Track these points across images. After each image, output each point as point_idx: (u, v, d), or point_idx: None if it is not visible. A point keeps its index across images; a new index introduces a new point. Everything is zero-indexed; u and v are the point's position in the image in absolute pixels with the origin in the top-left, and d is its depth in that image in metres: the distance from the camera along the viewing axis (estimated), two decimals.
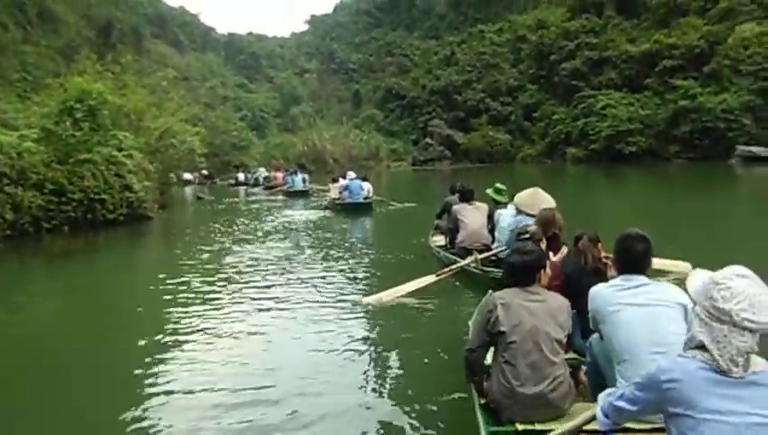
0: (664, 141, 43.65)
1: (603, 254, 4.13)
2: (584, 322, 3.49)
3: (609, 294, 3.13)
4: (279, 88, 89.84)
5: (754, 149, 36.69)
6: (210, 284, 8.38)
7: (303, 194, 24.99)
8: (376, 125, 67.15)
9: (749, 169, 32.82)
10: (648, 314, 2.99)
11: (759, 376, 1.93)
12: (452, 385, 4.32)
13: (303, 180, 26.40)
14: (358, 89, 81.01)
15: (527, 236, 4.89)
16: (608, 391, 2.50)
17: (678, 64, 45.05)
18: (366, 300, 6.83)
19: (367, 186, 18.07)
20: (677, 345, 2.80)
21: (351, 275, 8.78)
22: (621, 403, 2.24)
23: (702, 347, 1.97)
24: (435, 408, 4.21)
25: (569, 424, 2.76)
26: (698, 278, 2.07)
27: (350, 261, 9.88)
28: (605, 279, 3.55)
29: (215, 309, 7.00)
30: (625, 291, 3.09)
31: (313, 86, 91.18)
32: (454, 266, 7.33)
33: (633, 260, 3.15)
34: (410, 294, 6.92)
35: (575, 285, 3.87)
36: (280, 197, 25.92)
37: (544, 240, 4.93)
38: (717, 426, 1.90)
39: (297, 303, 7.11)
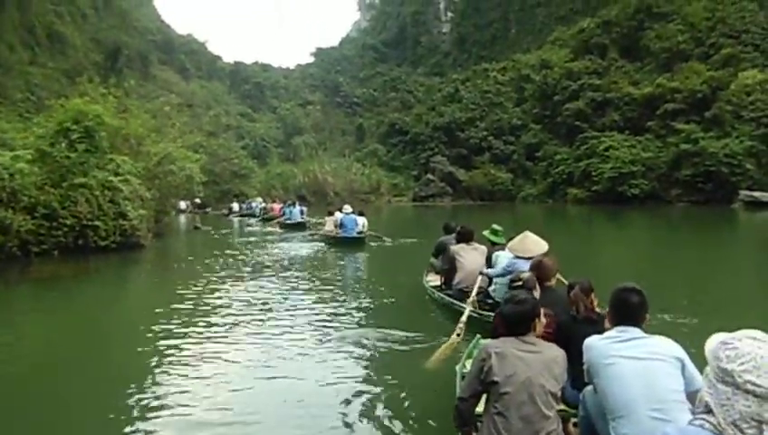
0: (666, 184, 43.71)
1: (596, 303, 4.09)
2: (575, 372, 3.39)
3: (604, 346, 3.08)
4: (282, 118, 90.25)
5: (757, 194, 36.78)
6: (197, 317, 8.18)
7: (301, 226, 24.71)
8: (378, 159, 67.27)
9: (752, 213, 32.85)
10: (645, 368, 2.94)
11: None
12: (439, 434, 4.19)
13: (301, 212, 26.28)
14: (361, 123, 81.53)
15: (520, 283, 4.83)
16: None
17: (680, 108, 45.39)
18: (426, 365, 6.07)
19: (362, 220, 17.95)
20: (674, 402, 2.81)
21: (342, 314, 8.44)
22: None
23: (709, 411, 1.85)
24: None
25: None
26: (715, 339, 1.95)
27: (342, 299, 9.58)
28: (598, 328, 3.47)
29: (199, 343, 6.85)
30: (621, 343, 3.05)
31: (316, 118, 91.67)
32: (464, 319, 6.73)
33: (628, 313, 3.12)
34: (408, 335, 6.86)
35: (567, 334, 3.80)
36: (277, 229, 25.63)
37: (538, 287, 4.85)
38: None
39: (283, 339, 6.97)
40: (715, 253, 16.95)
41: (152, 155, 21.02)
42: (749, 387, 1.77)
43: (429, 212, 42.12)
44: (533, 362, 3.13)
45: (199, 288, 10.55)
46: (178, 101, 40.77)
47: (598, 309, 4.04)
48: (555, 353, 3.24)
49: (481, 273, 7.50)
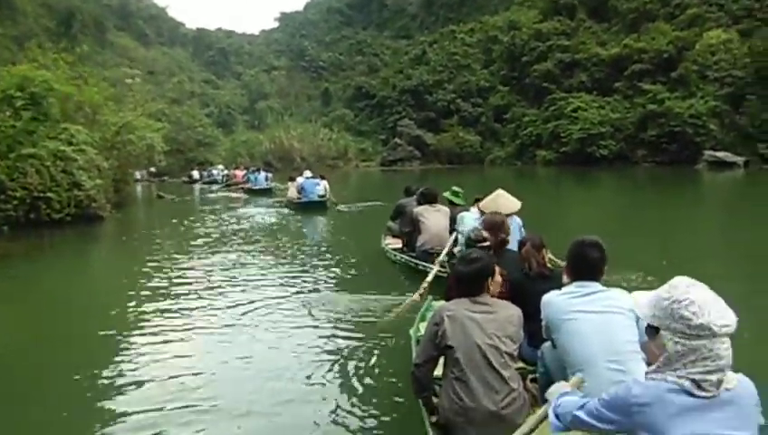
0: (633, 145, 43.87)
1: (548, 257, 4.07)
2: (531, 329, 3.36)
3: (563, 302, 3.07)
4: (246, 85, 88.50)
5: (720, 154, 37.15)
6: (161, 290, 8.00)
7: (266, 192, 24.89)
8: (345, 124, 66.36)
9: (715, 173, 33.25)
10: (603, 321, 2.96)
11: (731, 392, 1.87)
12: (404, 401, 4.22)
13: (266, 178, 26.44)
14: (327, 87, 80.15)
15: (486, 244, 4.77)
16: (561, 391, 2.45)
17: (647, 69, 45.35)
18: (378, 321, 6.26)
19: (323, 184, 18.36)
20: (630, 353, 2.90)
21: (305, 280, 8.46)
22: (583, 415, 2.13)
23: (674, 367, 1.89)
24: (385, 425, 4.05)
25: (522, 429, 2.59)
26: (645, 300, 2.00)
27: (305, 265, 9.62)
28: (551, 284, 3.45)
29: (164, 316, 6.68)
30: (580, 298, 3.04)
31: (282, 84, 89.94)
32: (429, 278, 6.76)
33: (588, 267, 3.11)
34: (367, 297, 6.91)
35: (519, 291, 3.77)
36: (241, 195, 25.50)
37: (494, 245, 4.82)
38: None
39: (248, 307, 6.90)
40: (679, 212, 17.15)
41: (110, 124, 20.29)
42: (724, 330, 1.83)
43: (397, 176, 41.77)
44: (488, 322, 3.05)
45: (162, 260, 10.24)
46: (138, 68, 39.33)
47: (550, 265, 3.98)
48: (510, 312, 3.16)
49: (455, 231, 7.32)
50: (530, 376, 3.71)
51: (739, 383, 1.91)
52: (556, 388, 2.54)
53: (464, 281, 3.18)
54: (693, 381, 1.85)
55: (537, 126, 50.55)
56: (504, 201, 6.45)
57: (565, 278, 3.26)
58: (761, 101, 37.97)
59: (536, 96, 53.09)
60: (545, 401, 3.22)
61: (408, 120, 61.26)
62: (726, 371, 1.87)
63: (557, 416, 2.30)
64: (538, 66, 53.32)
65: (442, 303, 3.28)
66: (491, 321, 3.07)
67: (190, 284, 8.32)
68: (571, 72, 51.49)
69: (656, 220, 15.24)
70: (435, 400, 3.25)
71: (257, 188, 25.44)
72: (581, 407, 2.16)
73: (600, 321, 2.97)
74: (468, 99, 60.37)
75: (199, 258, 10.43)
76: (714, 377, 1.84)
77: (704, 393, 1.85)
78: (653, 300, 1.98)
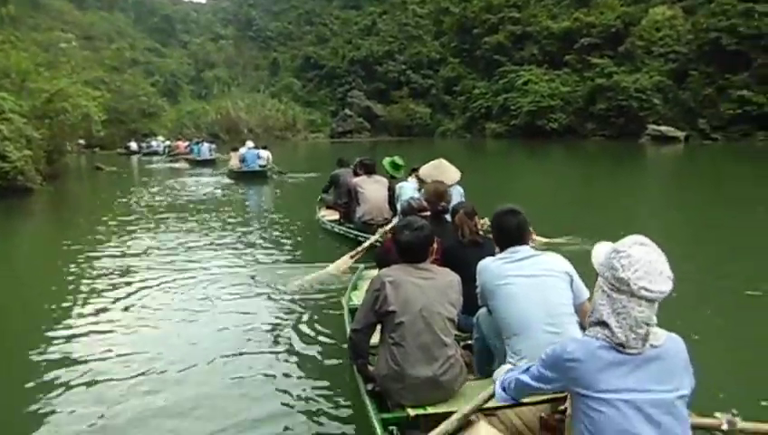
0: (582, 118, 44.35)
1: (482, 224, 4.07)
2: (464, 296, 3.30)
3: (498, 268, 3.11)
4: (193, 54, 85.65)
5: (663, 128, 37.96)
6: (92, 265, 7.76)
7: (210, 163, 24.86)
8: (293, 95, 65.23)
9: (658, 147, 34.06)
10: (537, 285, 3.01)
11: (658, 350, 1.94)
12: (339, 370, 4.30)
13: (209, 150, 26.34)
14: (275, 57, 78.45)
15: (427, 213, 4.75)
16: (504, 367, 2.54)
17: (596, 43, 45.65)
18: (284, 288, 6.52)
19: (265, 154, 18.57)
20: (565, 315, 2.98)
21: (242, 251, 8.50)
22: (527, 379, 2.20)
23: (603, 323, 1.95)
24: (321, 395, 4.07)
25: (468, 407, 2.64)
26: (602, 249, 2.06)
27: (244, 236, 9.67)
28: (484, 251, 3.50)
29: (101, 295, 6.45)
30: (512, 263, 3.09)
31: (229, 53, 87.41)
32: (366, 244, 6.96)
33: (509, 234, 3.17)
34: (304, 269, 6.94)
35: (453, 258, 3.77)
36: (185, 166, 25.02)
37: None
38: (617, 405, 1.90)
39: (187, 282, 6.86)
40: (624, 184, 17.67)
41: (42, 92, 19.31)
42: (643, 293, 1.87)
43: (347, 148, 41.45)
44: (429, 288, 3.07)
45: (98, 234, 9.91)
46: (74, 32, 37.34)
47: (482, 232, 4.00)
48: (450, 278, 3.19)
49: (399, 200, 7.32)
50: (462, 343, 3.71)
51: (667, 340, 1.98)
52: (502, 369, 2.59)
53: (408, 248, 3.15)
54: (621, 332, 1.91)
55: (487, 99, 50.65)
56: (444, 170, 6.46)
57: (496, 249, 3.30)
58: (702, 77, 38.78)
59: (487, 68, 53.08)
60: (481, 369, 3.45)
61: (358, 91, 60.69)
62: (651, 329, 1.93)
63: (504, 389, 2.35)
64: (489, 38, 53.22)
65: (383, 269, 3.21)
66: (432, 287, 3.08)
67: (126, 257, 8.08)
68: (522, 44, 51.56)
69: (602, 191, 15.73)
70: (370, 368, 3.23)
71: (200, 159, 25.32)
72: (525, 371, 2.22)
73: (534, 284, 3.01)
74: (419, 70, 60.03)
75: (137, 231, 10.18)
76: (638, 334, 1.91)
77: (630, 350, 1.91)
78: (606, 249, 2.04)
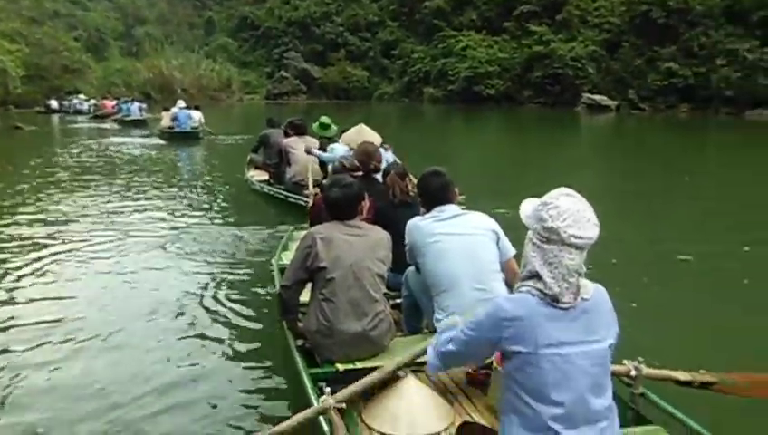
0: (519, 85, 44.80)
1: (412, 185, 4.15)
2: (394, 256, 3.37)
3: (427, 226, 3.15)
4: (121, 8, 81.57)
5: (597, 97, 38.90)
6: (15, 229, 7.49)
7: (140, 123, 23.94)
8: (229, 55, 63.19)
9: (592, 116, 34.95)
10: (466, 242, 3.07)
11: (588, 302, 1.99)
12: (269, 329, 4.31)
13: (140, 109, 25.38)
14: (211, 16, 75.67)
15: (359, 173, 4.86)
16: (437, 338, 2.50)
17: (534, 10, 45.85)
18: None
19: (197, 115, 18.13)
20: (492, 272, 3.06)
21: (172, 213, 8.40)
22: (452, 347, 2.20)
23: (536, 275, 1.98)
24: (251, 353, 4.13)
25: (395, 362, 2.68)
26: (529, 205, 2.08)
27: (174, 197, 9.57)
28: (414, 211, 3.55)
29: (26, 261, 6.22)
30: (442, 222, 3.14)
31: (162, 9, 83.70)
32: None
33: (435, 194, 3.23)
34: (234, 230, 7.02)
35: (384, 217, 3.83)
36: (113, 126, 24.11)
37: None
38: (553, 359, 1.93)
39: (112, 242, 6.79)
40: (557, 151, 18.24)
41: None
42: (573, 240, 1.91)
43: (283, 110, 40.85)
44: (360, 245, 3.11)
45: (13, 199, 9.42)
46: None
47: (413, 193, 4.06)
48: (380, 236, 3.24)
49: (309, 152, 7.50)
50: (391, 302, 3.74)
51: (595, 292, 2.03)
52: (433, 339, 2.58)
53: (337, 205, 3.19)
54: (554, 282, 1.94)
55: (426, 63, 50.48)
56: (365, 135, 6.52)
57: (422, 210, 3.36)
58: (633, 48, 39.78)
59: (426, 33, 52.75)
60: (409, 326, 3.54)
61: (295, 52, 59.39)
62: (580, 281, 1.99)
63: (437, 359, 2.35)
64: (428, 2, 52.75)
65: (314, 227, 3.28)
66: (363, 243, 3.13)
67: (44, 223, 7.91)
68: (462, 10, 51.33)
69: (535, 157, 16.11)
70: (300, 325, 3.26)
71: (130, 118, 24.35)
72: (449, 341, 2.21)
73: (463, 242, 3.07)
74: (356, 33, 59.12)
75: (58, 195, 9.81)
76: (570, 284, 1.95)
77: (564, 305, 1.95)
78: (534, 203, 2.06)
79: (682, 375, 2.70)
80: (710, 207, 9.23)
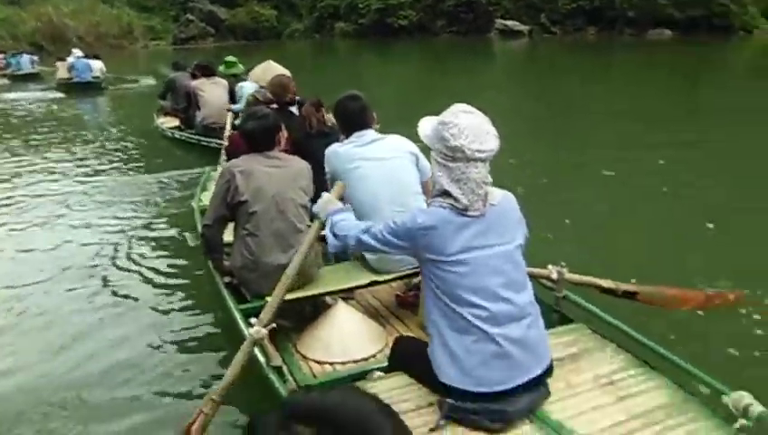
0: (432, 15, 44.20)
1: (328, 118, 4.13)
2: (314, 186, 3.33)
3: (346, 152, 3.14)
4: None
5: (509, 23, 39.07)
6: None
7: (33, 77, 22.23)
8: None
9: (505, 42, 35.28)
10: (386, 166, 3.08)
11: (496, 208, 2.08)
12: (195, 269, 4.29)
13: (31, 62, 23.47)
14: None
15: (274, 106, 4.77)
16: (330, 208, 2.51)
17: None
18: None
19: (97, 64, 17.04)
20: (413, 194, 3.09)
21: (81, 167, 8.03)
22: (368, 239, 2.25)
23: (445, 193, 2.04)
24: (178, 293, 4.07)
25: (301, 251, 2.57)
26: (427, 124, 2.12)
27: (84, 151, 9.07)
28: (332, 140, 3.52)
29: None
30: (361, 147, 3.13)
31: None
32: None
33: (350, 119, 3.21)
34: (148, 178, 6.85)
35: (302, 149, 3.78)
36: (4, 81, 22.32)
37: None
38: (466, 262, 2.02)
39: (10, 206, 6.42)
40: (468, 78, 18.14)
41: None
42: (477, 155, 1.98)
43: (191, 55, 39.20)
44: (280, 176, 3.06)
45: None
46: None
47: (330, 123, 4.03)
48: (301, 165, 3.20)
49: (229, 110, 7.17)
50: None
51: (503, 198, 2.12)
52: (323, 201, 2.57)
53: (254, 137, 3.11)
54: (464, 197, 2.01)
55: None
56: (274, 71, 6.35)
57: (342, 137, 3.34)
58: None
59: None
60: (334, 255, 3.48)
61: None
62: (488, 189, 2.05)
63: (335, 236, 2.40)
64: None
65: (231, 161, 3.17)
66: (283, 174, 3.08)
67: None
68: None
69: (449, 84, 15.99)
70: (226, 263, 3.22)
71: (21, 73, 22.48)
72: (366, 231, 2.27)
73: (382, 167, 3.08)
74: None
75: None
76: (477, 196, 2.02)
77: (473, 212, 2.02)
78: (432, 123, 2.10)
79: (605, 283, 2.85)
80: (623, 126, 9.54)
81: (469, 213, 2.03)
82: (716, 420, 2.04)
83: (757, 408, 1.95)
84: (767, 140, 8.07)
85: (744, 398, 1.99)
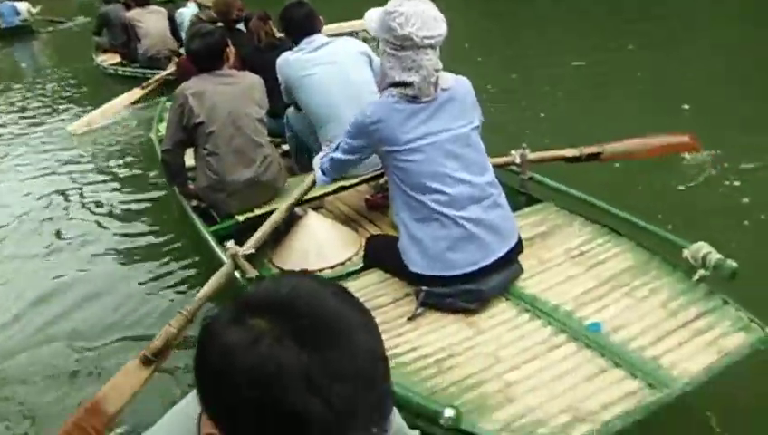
0: None
1: (275, 30, 4.05)
2: (269, 101, 3.29)
3: (297, 60, 3.09)
4: None
5: None
6: None
7: None
8: None
9: None
10: (339, 70, 3.03)
11: (449, 92, 2.07)
12: (163, 199, 4.23)
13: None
14: None
15: (219, 25, 4.50)
16: (321, 154, 2.55)
17: None
18: (70, 128, 6.18)
19: (23, 6, 15.61)
20: (368, 94, 2.93)
21: (20, 112, 7.79)
22: (338, 155, 2.26)
23: (396, 84, 2.02)
24: (148, 228, 4.02)
25: (292, 195, 2.66)
26: (373, 14, 2.09)
27: (19, 96, 8.72)
28: (282, 51, 3.36)
29: None
30: (311, 53, 3.08)
31: None
32: (158, 77, 6.59)
33: (298, 24, 3.16)
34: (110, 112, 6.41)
35: (253, 64, 3.67)
36: None
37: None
38: (423, 149, 2.03)
39: None
40: None
41: None
42: (426, 42, 1.95)
43: None
44: (233, 92, 3.01)
45: None
46: None
47: (278, 35, 3.93)
48: (252, 80, 3.14)
49: (174, 34, 7.00)
50: (280, 150, 3.69)
51: (455, 82, 2.11)
52: (319, 156, 2.59)
53: (202, 56, 3.04)
54: (412, 87, 2.00)
55: None
56: None
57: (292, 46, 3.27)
58: None
59: None
60: (300, 167, 3.52)
61: None
62: (439, 74, 2.04)
63: (323, 172, 2.40)
64: None
65: (183, 84, 3.07)
66: (236, 90, 3.03)
67: None
68: None
69: None
70: (191, 187, 3.21)
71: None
72: (335, 148, 2.29)
73: (336, 71, 3.04)
74: None
75: None
76: (430, 82, 2.00)
77: (425, 98, 2.01)
78: (378, 14, 2.07)
79: (568, 152, 2.89)
80: (590, 15, 9.16)
81: (421, 99, 2.02)
82: (678, 275, 2.14)
83: (714, 256, 2.04)
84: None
85: (703, 248, 2.08)
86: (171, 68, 6.39)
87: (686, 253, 2.13)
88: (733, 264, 2.01)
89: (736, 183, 3.60)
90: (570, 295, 2.12)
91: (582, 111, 5.15)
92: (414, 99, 2.03)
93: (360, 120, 2.11)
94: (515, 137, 3.62)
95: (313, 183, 2.60)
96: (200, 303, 2.14)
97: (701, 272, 2.06)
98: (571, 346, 1.90)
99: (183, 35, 6.46)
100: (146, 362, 1.96)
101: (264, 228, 2.49)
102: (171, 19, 7.23)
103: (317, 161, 2.53)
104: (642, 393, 1.69)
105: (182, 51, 6.37)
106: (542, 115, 5.13)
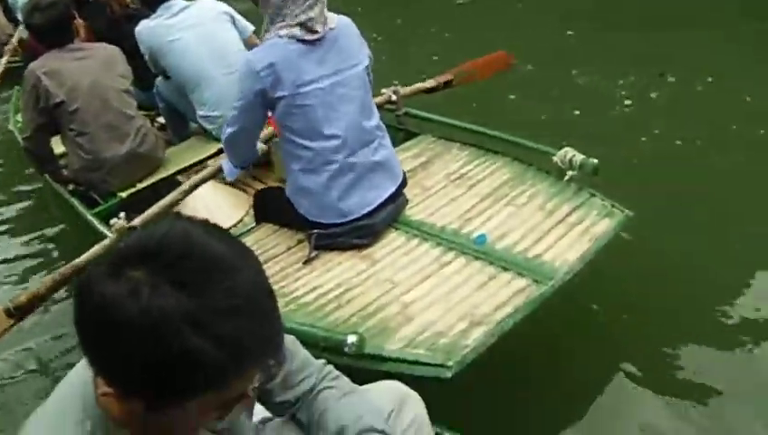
0: None
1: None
2: (135, 74, 3.14)
3: (158, 26, 2.99)
4: None
5: None
6: None
7: None
8: None
9: None
10: (203, 32, 2.97)
11: (335, 31, 2.03)
12: (36, 192, 3.95)
13: None
14: None
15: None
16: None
17: None
18: None
19: None
20: (237, 53, 2.96)
21: None
22: (229, 129, 2.14)
23: (281, 23, 1.97)
24: (28, 223, 3.69)
25: (196, 177, 2.50)
26: None
27: None
28: (140, 20, 3.20)
29: None
30: (172, 18, 2.98)
31: None
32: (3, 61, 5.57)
33: None
34: None
35: (111, 36, 3.40)
36: None
37: None
38: (315, 94, 1.99)
39: None
40: None
41: None
42: None
43: None
44: (91, 66, 2.82)
45: None
46: None
47: (133, 4, 3.74)
48: (110, 51, 2.97)
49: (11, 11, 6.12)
50: (156, 124, 3.59)
51: (339, 21, 2.08)
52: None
53: (45, 31, 2.80)
54: (300, 25, 1.95)
55: None
56: None
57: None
58: None
59: None
60: (176, 132, 3.43)
61: None
62: (326, 13, 2.02)
63: (230, 163, 2.36)
64: None
65: (32, 64, 2.80)
66: (94, 64, 2.84)
67: None
68: None
69: None
70: (65, 172, 3.01)
71: None
72: (227, 126, 2.16)
73: (200, 33, 2.97)
74: None
75: None
76: (323, 16, 1.99)
77: (312, 36, 1.97)
78: None
79: (428, 84, 3.02)
80: None
81: (308, 37, 1.98)
82: (551, 179, 2.31)
83: (578, 157, 2.21)
84: None
85: (568, 152, 2.25)
86: (10, 54, 5.60)
87: (555, 159, 2.29)
88: (594, 161, 2.18)
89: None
90: (454, 215, 2.22)
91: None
92: (303, 39, 1.98)
93: (248, 71, 2.00)
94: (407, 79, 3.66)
95: (218, 171, 2.50)
96: (75, 268, 2.04)
97: (570, 173, 2.22)
98: (460, 260, 2.00)
99: (19, 16, 5.84)
100: (8, 313, 1.93)
101: (157, 209, 2.35)
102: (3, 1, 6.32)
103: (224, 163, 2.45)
104: (530, 289, 1.81)
105: (22, 32, 5.80)
106: (435, 58, 5.14)
